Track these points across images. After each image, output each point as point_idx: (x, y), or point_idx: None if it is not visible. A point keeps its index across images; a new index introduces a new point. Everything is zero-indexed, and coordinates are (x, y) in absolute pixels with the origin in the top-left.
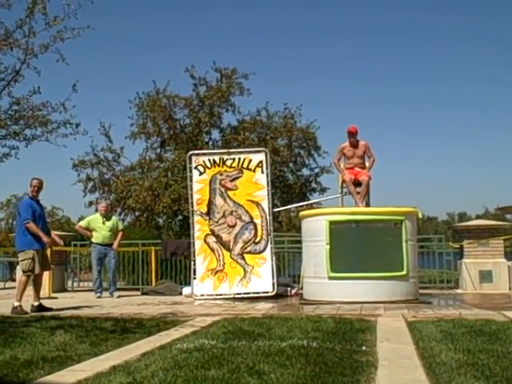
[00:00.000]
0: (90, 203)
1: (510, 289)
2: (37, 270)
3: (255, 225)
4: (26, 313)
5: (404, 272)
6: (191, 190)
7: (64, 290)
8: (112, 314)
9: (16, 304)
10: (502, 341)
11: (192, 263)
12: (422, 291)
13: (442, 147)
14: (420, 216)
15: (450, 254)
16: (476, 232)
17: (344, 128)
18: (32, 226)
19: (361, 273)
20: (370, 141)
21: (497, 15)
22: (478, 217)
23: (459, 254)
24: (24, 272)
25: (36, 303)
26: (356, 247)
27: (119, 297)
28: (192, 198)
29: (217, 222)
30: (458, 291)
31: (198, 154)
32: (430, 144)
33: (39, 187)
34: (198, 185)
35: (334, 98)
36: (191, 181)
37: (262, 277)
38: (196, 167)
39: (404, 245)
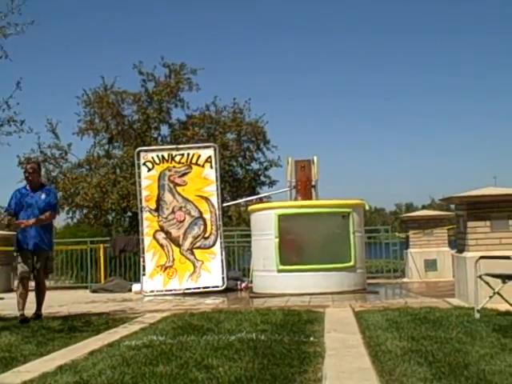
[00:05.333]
0: None
1: (453, 276)
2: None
3: (204, 220)
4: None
5: (352, 263)
6: (140, 186)
7: (10, 290)
8: (60, 313)
9: None
10: (445, 327)
11: (141, 260)
12: (369, 281)
13: (390, 138)
14: (367, 208)
15: (396, 244)
16: (421, 222)
17: (293, 121)
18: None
19: (309, 265)
20: (318, 132)
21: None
22: (423, 207)
23: (405, 244)
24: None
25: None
26: (304, 240)
27: None
28: (141, 194)
29: (166, 218)
30: (405, 280)
31: (146, 151)
32: (379, 135)
33: (30, 172)
34: (147, 181)
35: (281, 91)
36: (139, 177)
37: (211, 271)
38: (144, 163)
39: (351, 236)
